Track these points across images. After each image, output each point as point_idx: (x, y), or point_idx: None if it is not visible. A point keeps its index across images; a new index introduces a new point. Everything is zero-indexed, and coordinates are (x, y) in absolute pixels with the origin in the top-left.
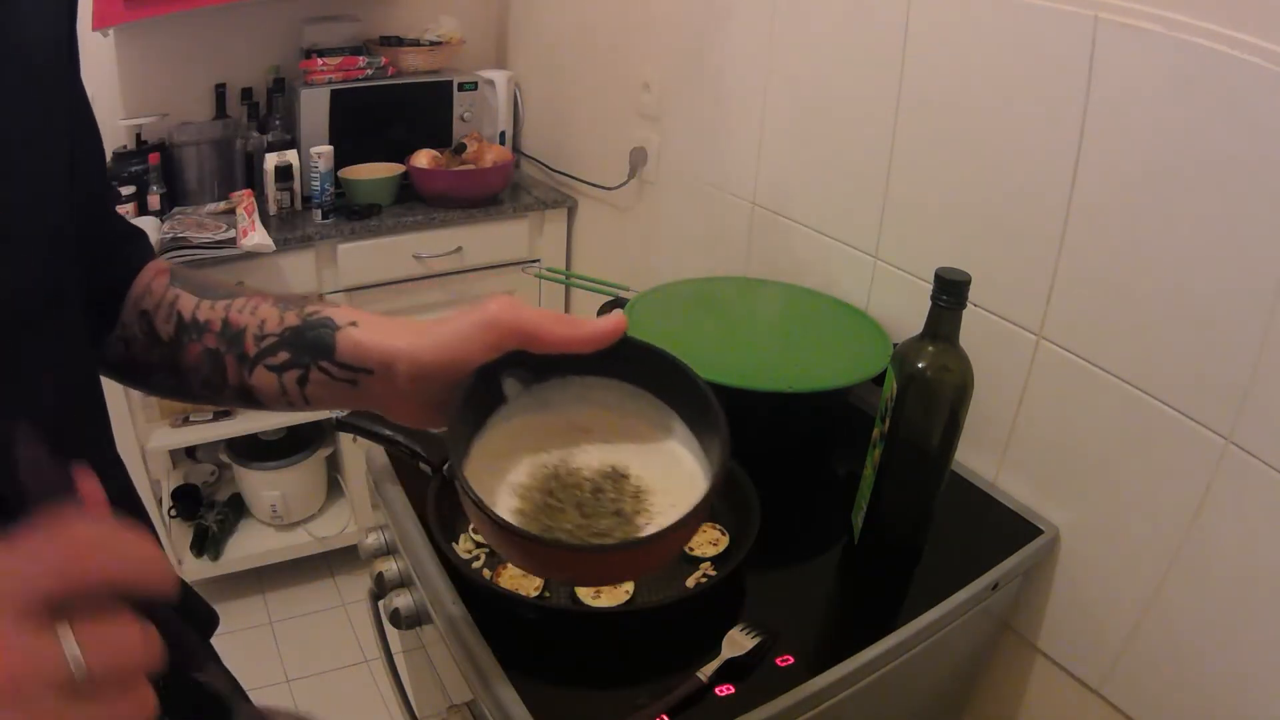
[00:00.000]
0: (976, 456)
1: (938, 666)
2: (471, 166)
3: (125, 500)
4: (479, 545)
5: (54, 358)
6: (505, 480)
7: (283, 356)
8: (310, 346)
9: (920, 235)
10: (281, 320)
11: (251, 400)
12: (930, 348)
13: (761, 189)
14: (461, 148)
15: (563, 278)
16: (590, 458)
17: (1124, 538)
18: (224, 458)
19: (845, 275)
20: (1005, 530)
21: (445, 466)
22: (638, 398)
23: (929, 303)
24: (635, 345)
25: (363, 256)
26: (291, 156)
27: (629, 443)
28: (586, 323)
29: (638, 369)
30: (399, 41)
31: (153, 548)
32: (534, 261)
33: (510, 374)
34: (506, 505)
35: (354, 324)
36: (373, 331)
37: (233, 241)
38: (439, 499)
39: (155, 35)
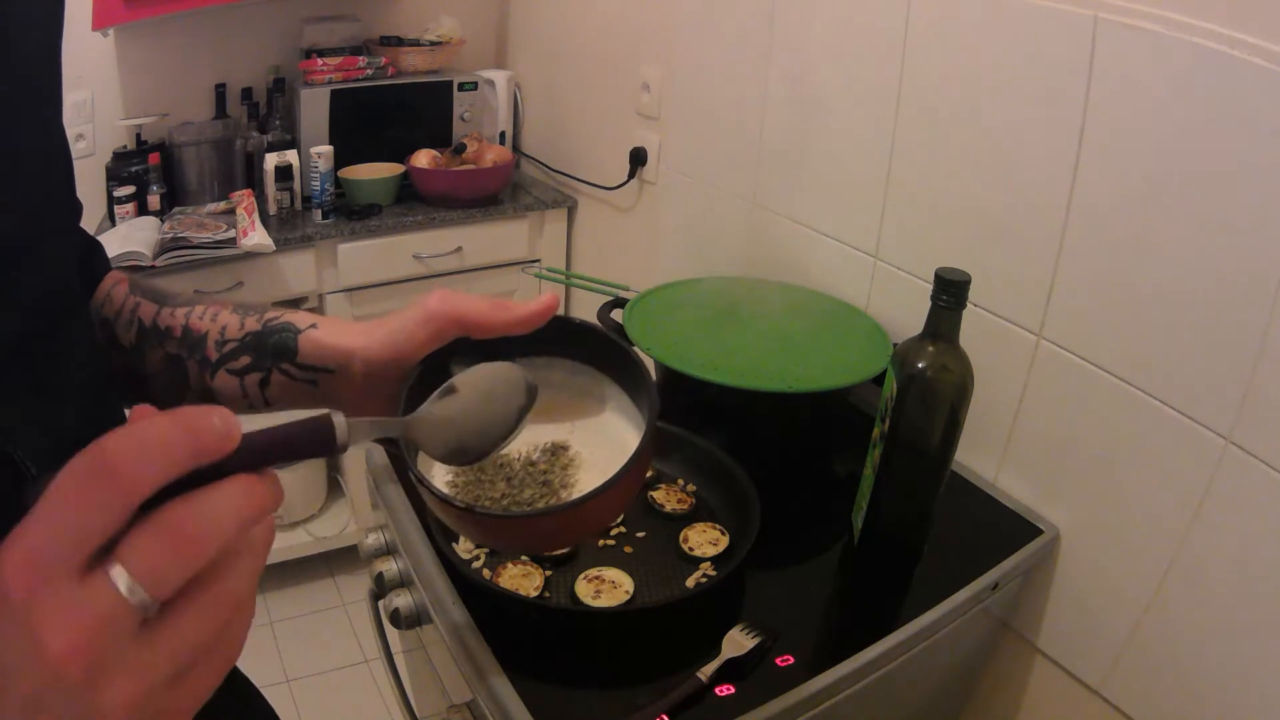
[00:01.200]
0: (976, 456)
1: (938, 666)
2: (471, 166)
3: None
4: (479, 545)
5: (85, 350)
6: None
7: (244, 360)
8: (272, 350)
9: (920, 235)
10: (242, 326)
11: (212, 402)
12: (930, 348)
13: (761, 189)
14: (461, 148)
15: (563, 278)
16: (531, 435)
17: (1124, 538)
18: None
19: (845, 275)
20: (1005, 530)
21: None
22: (581, 373)
23: (929, 303)
24: (570, 323)
25: (363, 256)
26: (291, 156)
27: (572, 418)
28: (519, 305)
29: (579, 346)
30: (399, 41)
31: (193, 415)
32: (534, 261)
33: (458, 362)
34: (443, 479)
35: (314, 326)
36: (331, 331)
37: (233, 241)
38: None
39: (155, 35)
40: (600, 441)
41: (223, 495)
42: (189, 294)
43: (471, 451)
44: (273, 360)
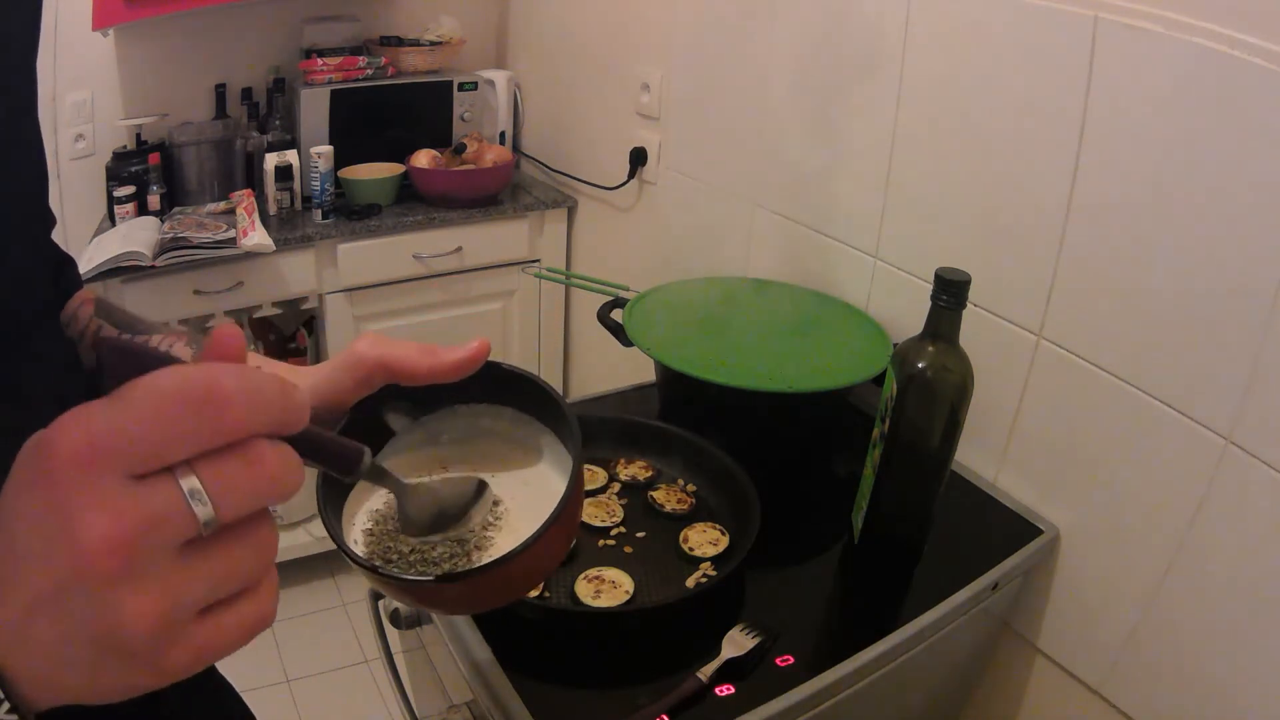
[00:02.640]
0: (976, 456)
1: (938, 666)
2: (471, 166)
3: None
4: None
5: (58, 362)
6: (364, 506)
7: None
8: None
9: (920, 235)
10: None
11: None
12: (930, 348)
13: (761, 189)
14: (461, 148)
15: (563, 278)
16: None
17: (1124, 538)
18: None
19: (845, 275)
20: (1005, 530)
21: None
22: (522, 423)
23: (929, 303)
24: (500, 369)
25: (363, 256)
26: (291, 156)
27: (506, 469)
28: (449, 351)
29: (517, 393)
30: (399, 41)
31: (288, 387)
32: (534, 261)
33: (392, 408)
34: (362, 528)
35: (257, 369)
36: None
37: (233, 241)
38: None
39: (155, 35)
40: (532, 496)
41: (291, 453)
42: (154, 323)
43: (447, 525)
44: None
